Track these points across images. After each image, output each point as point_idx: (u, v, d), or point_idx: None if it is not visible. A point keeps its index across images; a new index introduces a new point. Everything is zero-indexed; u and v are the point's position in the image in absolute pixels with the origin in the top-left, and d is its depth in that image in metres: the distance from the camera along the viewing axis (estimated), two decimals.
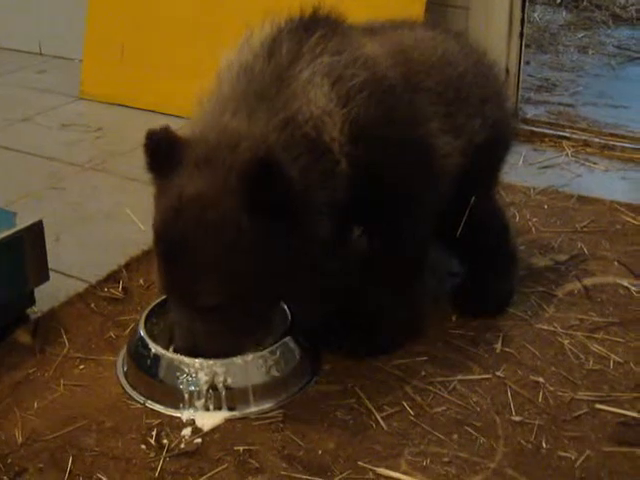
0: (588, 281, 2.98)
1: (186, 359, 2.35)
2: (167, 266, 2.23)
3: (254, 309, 2.30)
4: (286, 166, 2.14)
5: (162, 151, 2.24)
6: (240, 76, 2.32)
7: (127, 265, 3.10)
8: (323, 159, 2.25)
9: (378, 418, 2.34)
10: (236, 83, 2.31)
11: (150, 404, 2.40)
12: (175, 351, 2.39)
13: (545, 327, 2.73)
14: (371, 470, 2.17)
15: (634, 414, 2.36)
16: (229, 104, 2.27)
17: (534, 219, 3.43)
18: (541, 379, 2.49)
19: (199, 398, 2.36)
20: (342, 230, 2.76)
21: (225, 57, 2.39)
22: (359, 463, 2.19)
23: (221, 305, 2.20)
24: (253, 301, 2.25)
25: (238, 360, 2.36)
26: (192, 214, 2.15)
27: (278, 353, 2.43)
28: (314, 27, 2.36)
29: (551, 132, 4.31)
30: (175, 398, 2.37)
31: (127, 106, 4.70)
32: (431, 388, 2.46)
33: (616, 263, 3.10)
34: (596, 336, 2.69)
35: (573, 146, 4.18)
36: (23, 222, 2.69)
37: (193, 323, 2.27)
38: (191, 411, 2.36)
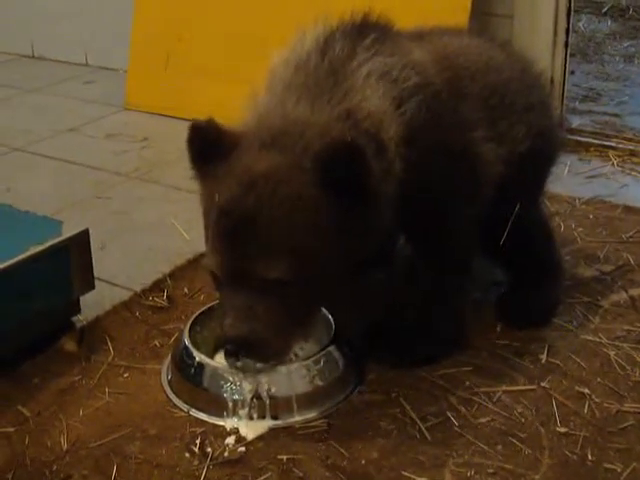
0: (634, 292, 2.95)
1: (230, 368, 2.35)
2: (233, 242, 2.16)
3: (314, 291, 2.24)
4: (365, 149, 2.14)
5: (210, 140, 2.24)
6: (296, 70, 2.32)
7: (172, 274, 3.11)
8: (381, 155, 2.24)
9: (422, 428, 2.33)
10: (293, 77, 2.31)
11: (194, 412, 2.41)
12: (224, 342, 2.24)
13: (591, 338, 2.71)
14: None
15: None
16: (289, 95, 2.27)
17: (579, 229, 3.40)
18: (587, 390, 2.47)
19: (243, 407, 2.36)
20: (388, 236, 2.76)
21: (277, 55, 2.40)
22: (403, 473, 2.18)
23: (286, 282, 2.14)
24: (317, 282, 2.20)
25: (282, 369, 2.36)
26: (265, 188, 2.11)
27: (322, 362, 2.43)
28: (366, 30, 2.37)
29: (597, 142, 4.28)
30: (219, 407, 2.38)
31: (172, 116, 4.73)
32: (476, 399, 2.45)
33: None
34: None
35: (619, 156, 4.15)
36: (69, 231, 2.71)
37: (251, 307, 2.17)
38: (235, 420, 2.36)
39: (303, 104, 2.24)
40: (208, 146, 2.25)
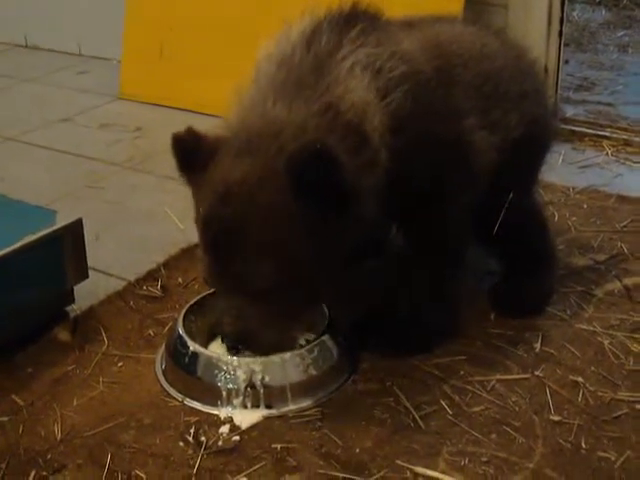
0: (628, 281, 2.95)
1: (224, 357, 2.37)
2: (215, 253, 2.21)
3: (304, 292, 2.27)
4: (337, 151, 2.13)
5: (190, 150, 2.25)
6: (279, 66, 2.32)
7: (166, 263, 3.11)
8: (365, 147, 2.23)
9: (416, 417, 2.33)
10: (276, 73, 2.31)
11: (188, 402, 2.41)
12: (223, 338, 2.35)
13: (585, 327, 2.71)
14: (409, 469, 2.16)
15: None
16: (269, 93, 2.27)
17: (573, 218, 3.40)
18: (581, 379, 2.47)
19: (237, 396, 2.36)
20: (380, 226, 2.76)
21: (263, 49, 2.40)
22: (397, 462, 2.18)
23: (272, 288, 2.18)
24: (303, 283, 2.23)
25: (276, 358, 2.37)
26: (240, 198, 2.14)
27: (316, 351, 2.43)
28: (354, 21, 2.36)
29: (591, 131, 4.27)
30: (213, 396, 2.38)
31: (166, 106, 4.72)
32: (469, 387, 2.45)
33: None
34: (636, 336, 2.66)
35: (613, 145, 4.15)
36: (63, 221, 2.71)
37: (243, 308, 2.25)
38: (229, 409, 2.36)
39: (282, 102, 2.24)
40: (189, 156, 2.26)
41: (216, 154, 2.22)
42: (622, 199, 3.57)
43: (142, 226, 3.46)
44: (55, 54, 5.83)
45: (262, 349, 2.35)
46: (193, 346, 2.44)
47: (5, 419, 2.36)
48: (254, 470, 2.17)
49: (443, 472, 2.15)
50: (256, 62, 2.40)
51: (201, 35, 4.70)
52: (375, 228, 2.46)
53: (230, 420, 2.34)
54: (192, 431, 2.30)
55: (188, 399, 2.41)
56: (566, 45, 4.59)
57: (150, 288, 2.97)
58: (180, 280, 3.01)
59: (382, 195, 2.29)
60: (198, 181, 2.25)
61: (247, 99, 2.33)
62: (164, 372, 2.53)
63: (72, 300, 2.79)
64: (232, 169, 2.18)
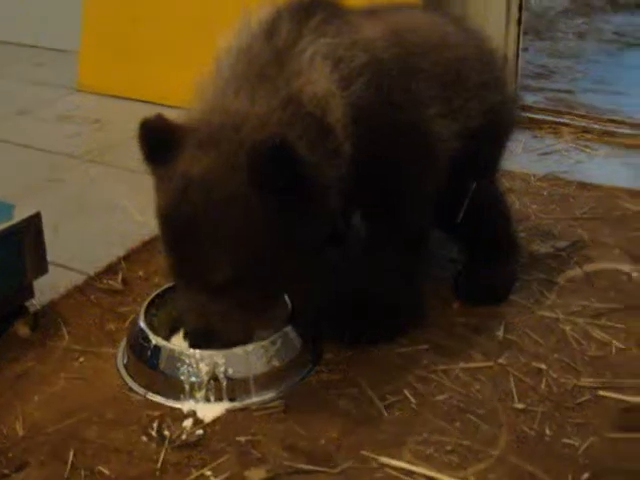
0: (589, 267, 2.97)
1: (187, 350, 2.35)
2: (175, 248, 2.22)
3: (265, 286, 2.27)
4: (295, 144, 2.13)
5: (158, 139, 2.23)
6: (239, 58, 2.31)
7: (126, 257, 3.09)
8: (328, 138, 2.23)
9: (380, 407, 2.33)
10: (236, 65, 2.30)
11: (151, 396, 2.39)
12: (188, 335, 2.35)
13: (547, 314, 2.72)
14: (374, 459, 2.16)
15: (637, 400, 2.35)
16: (230, 86, 2.26)
17: (534, 206, 3.42)
18: (543, 366, 2.48)
19: (200, 389, 2.34)
20: (344, 215, 2.76)
21: (223, 41, 2.38)
22: (362, 452, 2.18)
23: (232, 281, 2.18)
24: (264, 277, 2.23)
25: (239, 350, 2.35)
26: (199, 193, 2.13)
27: (279, 343, 2.42)
28: (314, 10, 2.35)
29: (550, 119, 4.30)
30: (176, 389, 2.36)
31: (125, 98, 4.69)
32: (433, 376, 2.45)
33: (617, 249, 3.09)
34: (598, 322, 2.68)
35: (573, 133, 4.17)
36: (21, 214, 2.67)
37: (205, 305, 2.24)
38: (192, 402, 2.35)
39: (243, 95, 2.23)
40: (157, 145, 2.23)
41: (180, 146, 2.21)
42: (582, 186, 3.59)
43: (102, 219, 3.43)
44: (11, 46, 5.76)
45: (225, 346, 2.33)
46: (155, 339, 2.42)
47: None
48: (218, 463, 2.16)
49: (408, 462, 2.14)
50: (216, 54, 2.38)
51: (159, 27, 4.66)
52: (338, 219, 2.46)
53: (193, 414, 2.32)
54: (155, 425, 2.29)
55: (151, 393, 2.39)
56: (525, 33, 4.61)
57: (110, 282, 2.94)
58: (141, 273, 2.99)
59: (347, 185, 2.29)
60: (162, 173, 2.23)
61: (208, 92, 2.31)
62: (126, 366, 2.50)
63: (31, 295, 2.76)
64: (193, 163, 2.17)
